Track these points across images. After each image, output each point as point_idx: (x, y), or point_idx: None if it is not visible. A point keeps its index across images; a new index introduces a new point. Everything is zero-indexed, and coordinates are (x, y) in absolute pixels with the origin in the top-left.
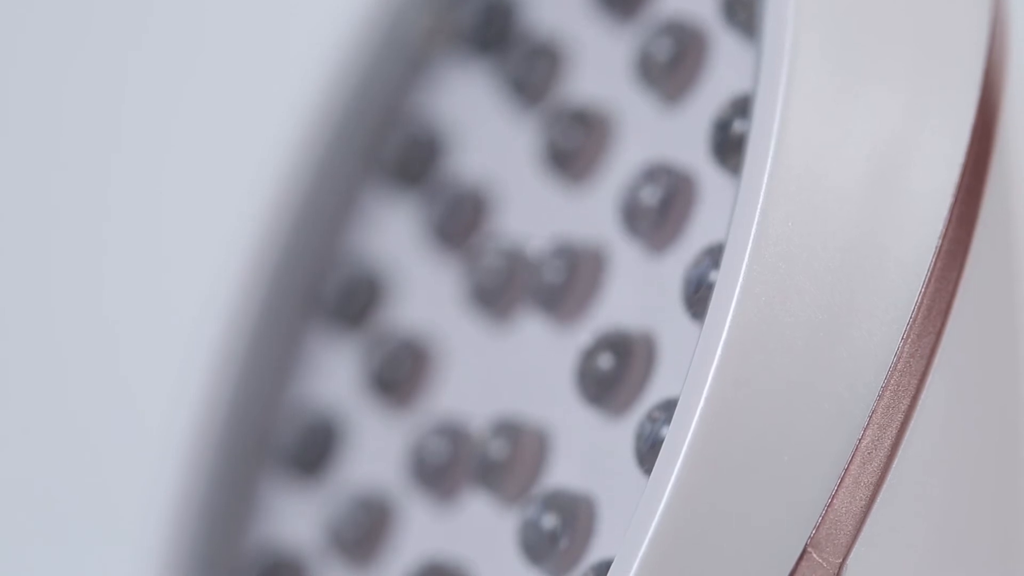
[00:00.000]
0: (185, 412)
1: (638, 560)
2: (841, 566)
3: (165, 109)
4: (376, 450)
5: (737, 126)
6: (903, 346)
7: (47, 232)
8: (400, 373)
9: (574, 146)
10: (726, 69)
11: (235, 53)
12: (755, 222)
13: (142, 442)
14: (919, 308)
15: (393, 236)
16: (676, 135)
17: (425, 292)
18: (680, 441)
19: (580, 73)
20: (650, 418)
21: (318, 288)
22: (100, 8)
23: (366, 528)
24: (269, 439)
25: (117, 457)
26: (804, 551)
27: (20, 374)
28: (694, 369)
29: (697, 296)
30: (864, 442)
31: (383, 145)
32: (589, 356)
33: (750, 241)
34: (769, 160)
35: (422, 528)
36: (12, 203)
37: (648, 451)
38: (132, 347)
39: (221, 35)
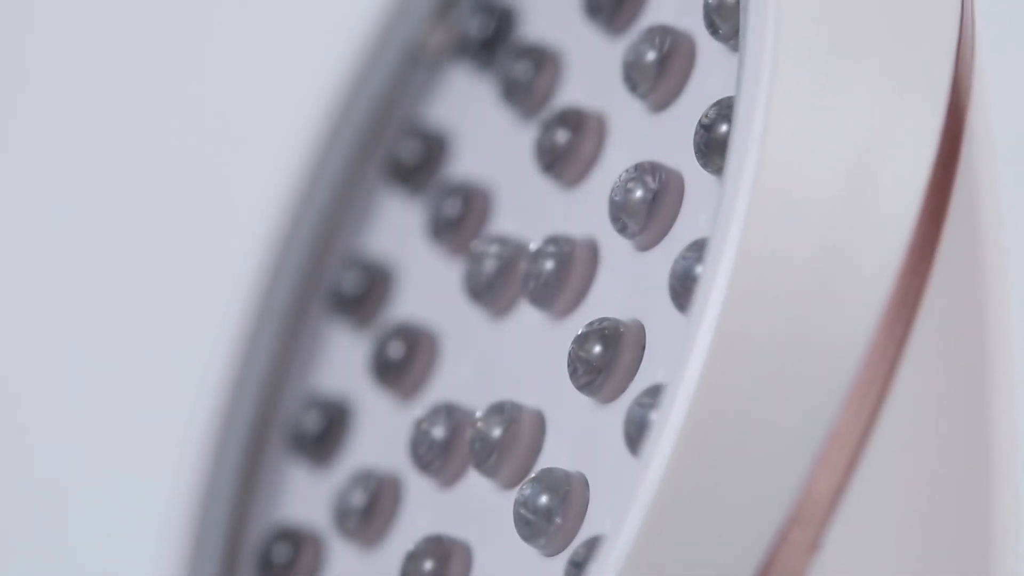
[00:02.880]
0: (205, 401)
1: (630, 538)
2: (818, 542)
3: (182, 119)
4: (382, 434)
5: (720, 128)
6: (876, 335)
7: (77, 231)
8: (405, 363)
9: (568, 148)
10: (710, 76)
11: (248, 62)
12: (738, 219)
13: (168, 426)
14: (891, 298)
15: (400, 235)
16: (663, 137)
17: (429, 287)
18: (668, 426)
19: (574, 79)
20: (639, 404)
21: (331, 285)
22: (118, 13)
23: (371, 507)
24: (283, 423)
25: (144, 440)
26: (783, 528)
27: (55, 370)
28: (682, 358)
29: (683, 288)
30: (839, 425)
31: (392, 151)
32: (581, 345)
33: (734, 237)
34: (751, 160)
35: (424, 507)
36: (42, 201)
37: (637, 434)
38: (157, 343)
39: (238, 48)
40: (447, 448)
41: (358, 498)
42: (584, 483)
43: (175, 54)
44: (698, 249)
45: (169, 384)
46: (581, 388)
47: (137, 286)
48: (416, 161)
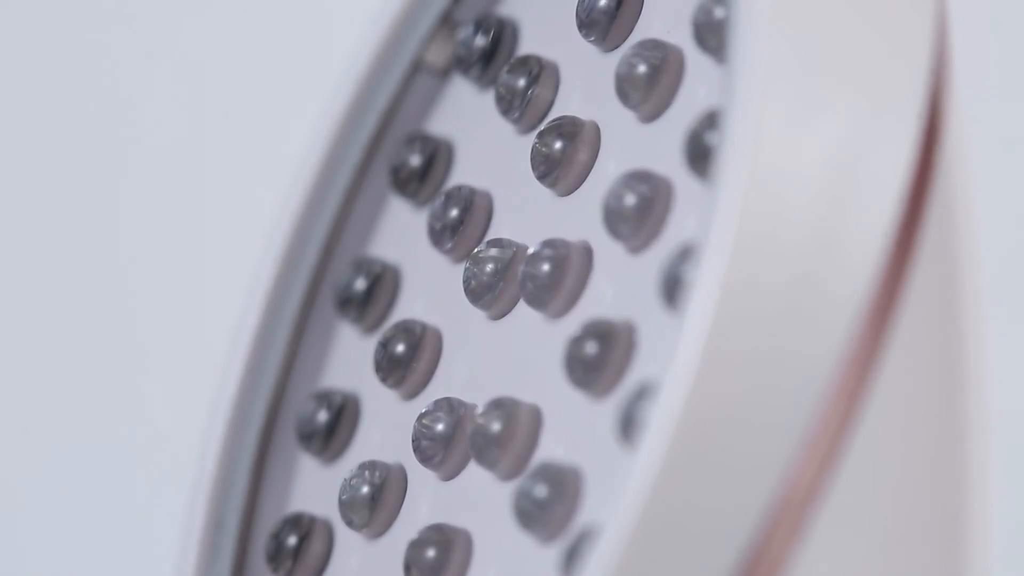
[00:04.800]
0: (221, 398)
1: (622, 526)
2: (799, 527)
3: (204, 134)
4: (387, 429)
5: (709, 138)
6: (858, 332)
7: (102, 238)
8: (408, 361)
9: (563, 157)
10: (698, 88)
11: (262, 80)
12: (729, 225)
13: (185, 422)
14: (873, 299)
15: (404, 240)
16: (654, 146)
17: (431, 289)
18: (659, 420)
19: (569, 92)
20: (631, 399)
21: (339, 287)
22: (143, 29)
23: (377, 497)
24: (294, 419)
25: (162, 434)
26: (768, 516)
27: (79, 373)
28: (673, 356)
29: (672, 290)
30: (821, 421)
31: (396, 160)
32: (576, 344)
33: (725, 242)
34: (742, 167)
35: (426, 497)
36: (62, 206)
37: (629, 428)
38: (174, 346)
39: (254, 67)
40: (449, 442)
41: (364, 489)
42: (579, 474)
43: (197, 68)
44: (687, 252)
45: (186, 383)
46: (576, 385)
47: (155, 289)
48: (419, 170)
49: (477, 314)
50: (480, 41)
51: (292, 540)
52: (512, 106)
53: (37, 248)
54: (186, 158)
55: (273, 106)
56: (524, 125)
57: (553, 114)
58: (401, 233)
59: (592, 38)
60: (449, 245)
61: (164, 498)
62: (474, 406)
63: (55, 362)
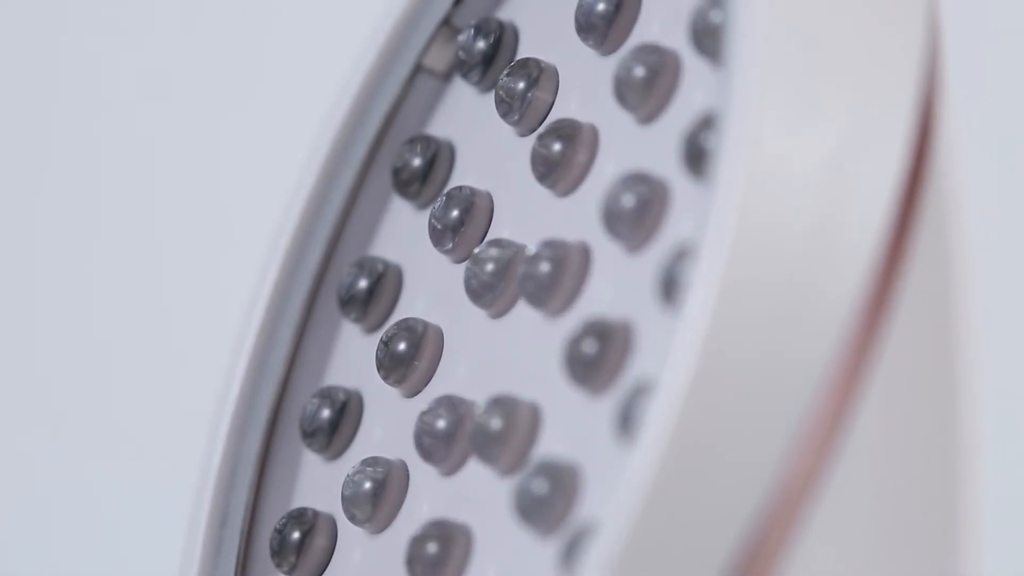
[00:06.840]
0: (228, 396)
1: (620, 520)
2: (795, 523)
3: (213, 146)
4: (389, 426)
5: (705, 140)
6: (852, 329)
7: (120, 245)
8: (410, 359)
9: (562, 159)
10: (695, 91)
11: (269, 88)
12: (727, 222)
13: (194, 419)
14: (866, 297)
15: (406, 241)
16: (651, 148)
17: (433, 289)
18: (656, 417)
19: (568, 94)
20: (628, 396)
21: (342, 287)
22: (150, 41)
23: (379, 493)
24: (298, 416)
25: (172, 431)
26: (763, 511)
27: (92, 375)
28: (670, 354)
29: (669, 289)
30: (816, 413)
31: (399, 162)
32: (575, 342)
33: (723, 244)
34: (738, 168)
35: (428, 493)
36: (75, 207)
37: (626, 425)
38: (183, 347)
39: (262, 78)
40: (450, 439)
41: (367, 485)
42: (578, 470)
43: (204, 72)
44: (684, 252)
45: (191, 381)
46: (575, 382)
47: (160, 290)
48: (421, 171)
49: (477, 313)
50: (480, 45)
51: (296, 535)
52: (512, 108)
53: (52, 248)
54: (195, 160)
55: (277, 109)
56: (524, 127)
57: (552, 116)
58: (403, 233)
59: (590, 42)
60: (450, 245)
61: (170, 494)
62: (475, 403)
63: (63, 361)
